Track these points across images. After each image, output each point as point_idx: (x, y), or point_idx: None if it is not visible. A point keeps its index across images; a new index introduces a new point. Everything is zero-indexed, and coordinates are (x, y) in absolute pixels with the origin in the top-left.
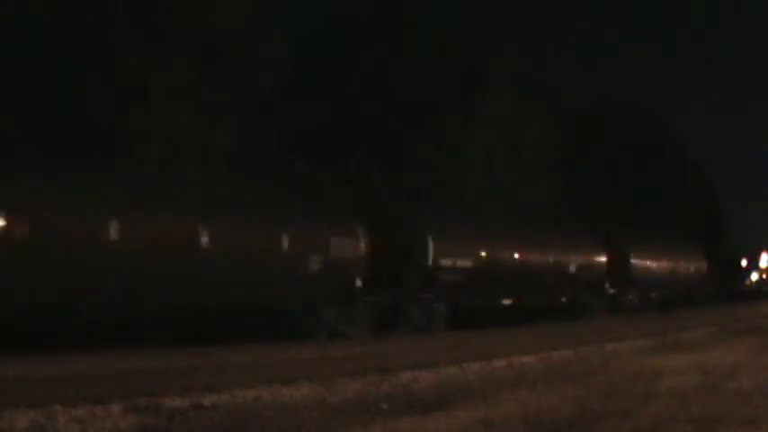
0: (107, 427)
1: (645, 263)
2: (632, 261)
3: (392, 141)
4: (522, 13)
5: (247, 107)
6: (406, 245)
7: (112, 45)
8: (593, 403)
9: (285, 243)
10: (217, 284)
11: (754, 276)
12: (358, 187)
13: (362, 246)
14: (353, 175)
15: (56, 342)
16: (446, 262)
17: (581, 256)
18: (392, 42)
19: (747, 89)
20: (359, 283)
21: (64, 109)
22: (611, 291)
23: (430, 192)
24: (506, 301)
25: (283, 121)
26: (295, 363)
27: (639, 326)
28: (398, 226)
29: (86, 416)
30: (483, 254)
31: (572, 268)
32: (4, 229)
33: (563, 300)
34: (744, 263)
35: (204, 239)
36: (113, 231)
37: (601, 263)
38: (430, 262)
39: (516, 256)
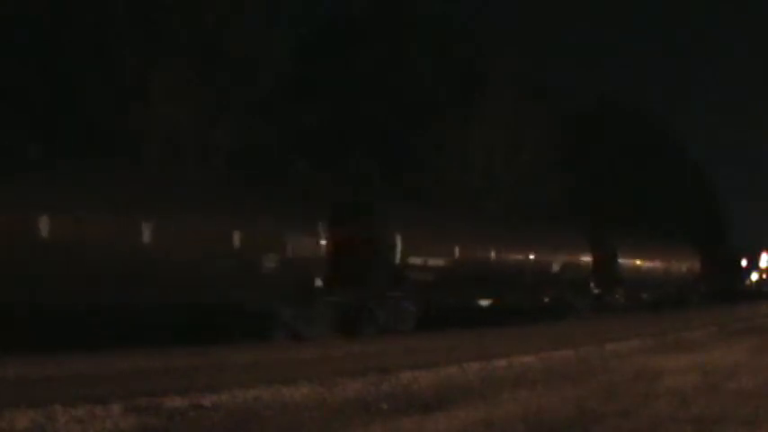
0: (107, 427)
1: (634, 262)
2: (620, 260)
3: (392, 141)
4: (522, 13)
5: (247, 107)
6: (371, 242)
7: (112, 45)
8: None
9: (237, 241)
10: (158, 284)
11: (754, 276)
12: (321, 182)
13: (323, 243)
14: (316, 173)
15: None
16: (416, 260)
17: (565, 255)
18: (392, 42)
19: (747, 89)
20: (319, 281)
21: (64, 109)
22: (597, 291)
23: (428, 191)
24: (485, 302)
25: (283, 121)
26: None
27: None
28: (364, 222)
29: (86, 416)
30: (456, 252)
31: (555, 267)
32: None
33: (546, 300)
34: (744, 263)
35: (146, 236)
36: (43, 226)
37: (587, 262)
38: (398, 260)
39: (493, 254)
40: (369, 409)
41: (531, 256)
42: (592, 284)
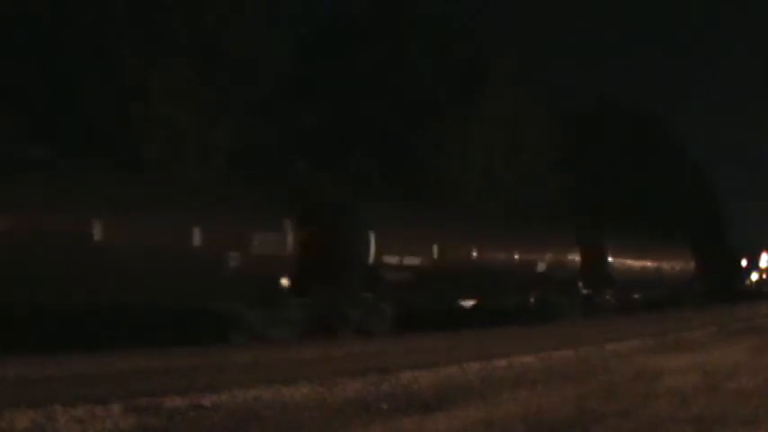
0: (107, 427)
1: (626, 261)
2: (611, 260)
3: (392, 141)
4: (522, 13)
5: (247, 107)
6: (342, 241)
7: (112, 45)
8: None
9: (196, 238)
10: (113, 283)
11: (754, 276)
12: (289, 176)
13: (291, 241)
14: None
15: None
16: (391, 259)
17: (552, 254)
18: (392, 42)
19: (747, 89)
20: (285, 281)
21: (64, 109)
22: (585, 291)
23: (423, 190)
24: (466, 303)
25: (283, 121)
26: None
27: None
28: (335, 220)
29: (86, 416)
30: (435, 251)
31: (541, 267)
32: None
33: (531, 301)
34: (744, 263)
35: (98, 233)
36: None
37: (575, 261)
38: (371, 259)
39: (475, 253)
40: (369, 409)
41: (516, 256)
42: (580, 284)
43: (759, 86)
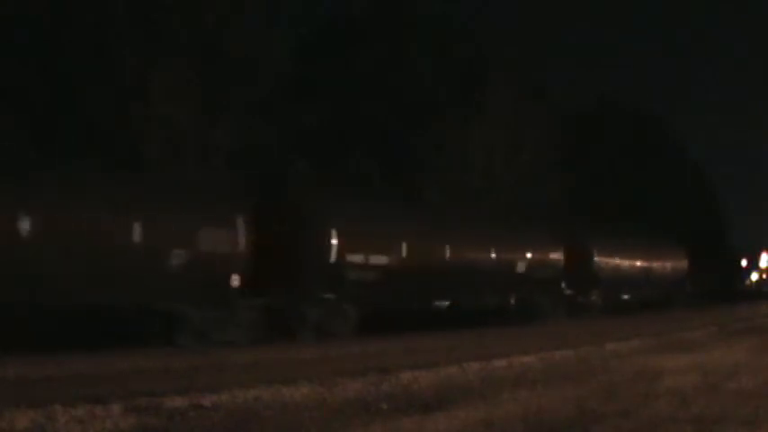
0: (107, 427)
1: (613, 261)
2: (597, 259)
3: (392, 141)
4: (522, 13)
5: (247, 107)
6: (302, 239)
7: (112, 45)
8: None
9: (137, 234)
10: (41, 281)
11: (754, 276)
12: (243, 168)
13: (243, 239)
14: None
15: None
16: (355, 258)
17: (532, 253)
18: (392, 42)
19: (747, 89)
20: (236, 281)
21: (64, 109)
22: (569, 291)
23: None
24: (442, 303)
25: (283, 121)
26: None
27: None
28: (294, 217)
29: (86, 416)
30: (404, 249)
31: (521, 266)
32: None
33: (512, 301)
34: (744, 263)
35: (25, 226)
36: None
37: (557, 260)
38: (333, 258)
39: (449, 252)
40: (369, 409)
41: (493, 255)
42: (563, 285)
43: (759, 86)
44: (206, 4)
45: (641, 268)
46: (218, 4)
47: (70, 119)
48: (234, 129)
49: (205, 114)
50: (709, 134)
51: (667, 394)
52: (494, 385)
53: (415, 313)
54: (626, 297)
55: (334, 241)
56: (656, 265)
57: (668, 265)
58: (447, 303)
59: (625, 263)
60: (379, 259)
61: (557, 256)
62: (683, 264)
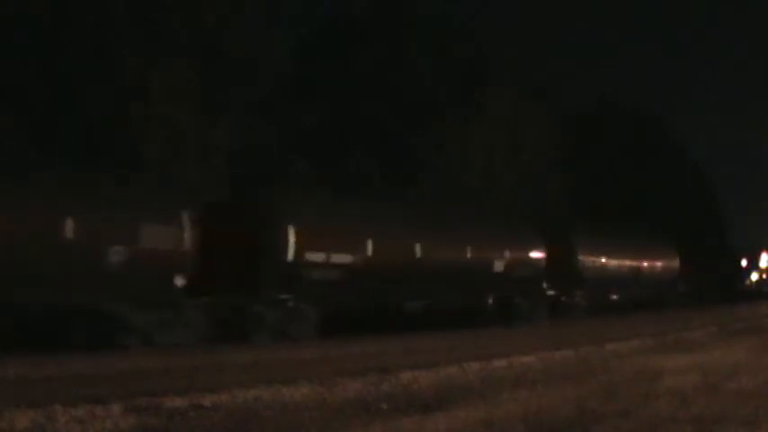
0: (107, 427)
1: (599, 260)
2: (581, 258)
3: (392, 141)
4: (522, 13)
5: (247, 107)
6: (257, 236)
7: (112, 45)
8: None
9: (70, 231)
10: None
11: (754, 276)
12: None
13: (189, 236)
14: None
15: None
16: (316, 256)
17: (511, 251)
18: (392, 42)
19: (747, 89)
20: (181, 280)
21: (64, 109)
22: (551, 292)
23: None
24: (413, 305)
25: (283, 121)
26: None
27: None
28: (247, 213)
29: (86, 416)
30: (370, 247)
31: (498, 266)
32: None
33: (490, 302)
34: (744, 263)
35: None
36: None
37: (538, 259)
38: (291, 257)
39: (419, 250)
40: (369, 409)
41: (469, 253)
42: (545, 284)
43: (759, 86)
44: (206, 4)
45: (630, 267)
46: (218, 4)
47: (70, 119)
48: (234, 129)
49: (205, 114)
50: (709, 134)
51: (667, 394)
52: (494, 385)
53: (384, 315)
54: (614, 297)
55: (292, 239)
56: (645, 264)
57: (659, 264)
58: (418, 305)
59: (612, 262)
60: (343, 258)
61: (538, 254)
62: (674, 263)
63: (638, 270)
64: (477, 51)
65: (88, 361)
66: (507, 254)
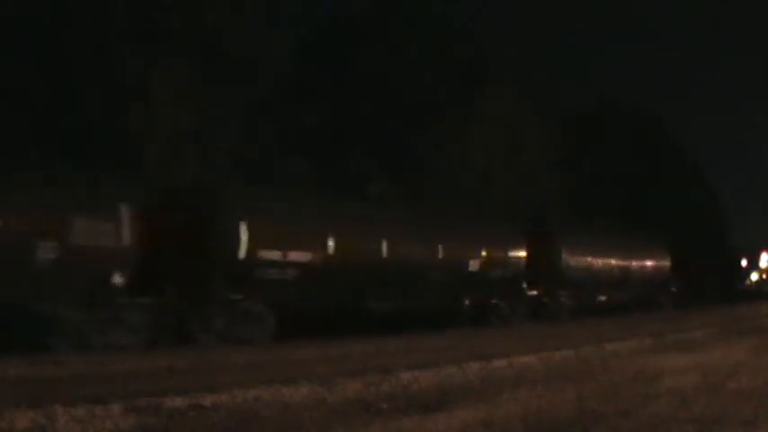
0: (107, 427)
1: (584, 259)
2: (564, 257)
3: (392, 141)
4: (522, 13)
5: (247, 107)
6: (204, 232)
7: (112, 45)
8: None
9: None
10: None
11: (754, 276)
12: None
13: (128, 231)
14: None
15: None
16: (271, 254)
17: (487, 251)
18: (392, 42)
19: (747, 89)
20: (119, 278)
21: (64, 109)
22: (532, 292)
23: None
24: (380, 306)
25: (283, 121)
26: None
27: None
28: (193, 207)
29: (86, 416)
30: (331, 245)
31: (473, 265)
32: None
33: (465, 303)
34: (744, 263)
35: None
36: None
37: (518, 258)
38: (243, 254)
39: (386, 248)
40: (369, 409)
41: (440, 252)
42: (524, 285)
43: (759, 86)
44: (206, 4)
45: (618, 267)
46: (218, 4)
47: (70, 119)
48: (234, 129)
49: (205, 114)
50: (709, 134)
51: (667, 394)
52: (494, 385)
53: (348, 317)
54: (602, 299)
55: (244, 236)
56: (635, 264)
57: (649, 264)
58: (387, 306)
59: (599, 261)
60: (301, 256)
61: (517, 253)
62: (665, 263)
63: (628, 270)
64: (477, 51)
65: (88, 361)
66: (483, 253)
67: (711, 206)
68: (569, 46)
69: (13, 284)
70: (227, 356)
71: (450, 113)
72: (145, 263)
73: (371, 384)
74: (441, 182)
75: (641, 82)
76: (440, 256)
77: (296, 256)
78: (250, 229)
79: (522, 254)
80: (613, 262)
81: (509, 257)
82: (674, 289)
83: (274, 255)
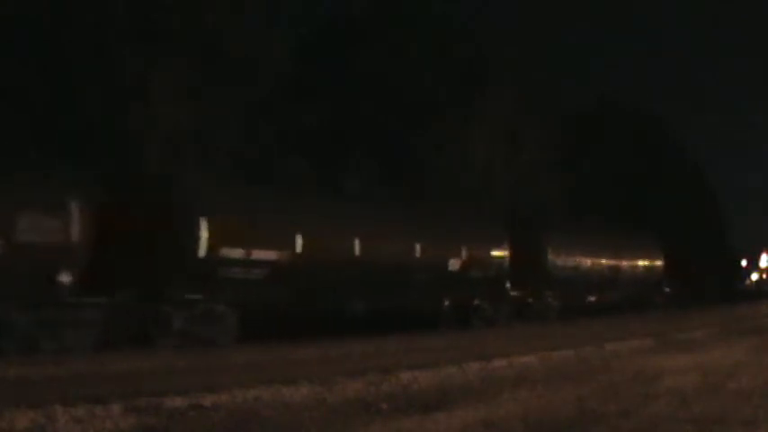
0: (107, 427)
1: (571, 259)
2: (551, 256)
3: (392, 141)
4: (522, 13)
5: (247, 107)
6: (161, 229)
7: (112, 45)
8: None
9: None
10: None
11: (754, 276)
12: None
13: (77, 227)
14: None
15: None
16: (234, 252)
17: (469, 250)
18: (392, 42)
19: (747, 89)
20: (67, 277)
21: (64, 109)
22: (516, 293)
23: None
24: (354, 307)
25: (283, 121)
26: None
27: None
28: (150, 203)
29: (86, 416)
30: (299, 243)
31: (453, 264)
32: None
33: (446, 305)
34: (744, 263)
35: None
36: None
37: (502, 258)
38: (203, 253)
39: (358, 247)
40: (369, 409)
41: (418, 251)
42: (508, 285)
43: (759, 86)
44: (206, 4)
45: (608, 267)
46: (218, 4)
47: (70, 119)
48: (234, 129)
49: (205, 114)
50: (709, 134)
51: (667, 394)
52: (494, 385)
53: (314, 318)
54: (592, 299)
55: (204, 233)
56: (625, 263)
57: (640, 264)
58: (361, 307)
59: (587, 261)
60: (266, 254)
61: (500, 252)
62: (657, 263)
63: (618, 270)
64: (477, 51)
65: (88, 361)
66: (464, 252)
67: (711, 206)
68: (569, 46)
69: None
70: (227, 356)
71: (450, 113)
72: (96, 260)
73: (371, 384)
74: (441, 182)
75: (641, 82)
76: (417, 255)
77: (261, 254)
78: (210, 226)
79: (506, 253)
80: (603, 261)
81: (491, 257)
82: (667, 289)
83: (237, 253)
